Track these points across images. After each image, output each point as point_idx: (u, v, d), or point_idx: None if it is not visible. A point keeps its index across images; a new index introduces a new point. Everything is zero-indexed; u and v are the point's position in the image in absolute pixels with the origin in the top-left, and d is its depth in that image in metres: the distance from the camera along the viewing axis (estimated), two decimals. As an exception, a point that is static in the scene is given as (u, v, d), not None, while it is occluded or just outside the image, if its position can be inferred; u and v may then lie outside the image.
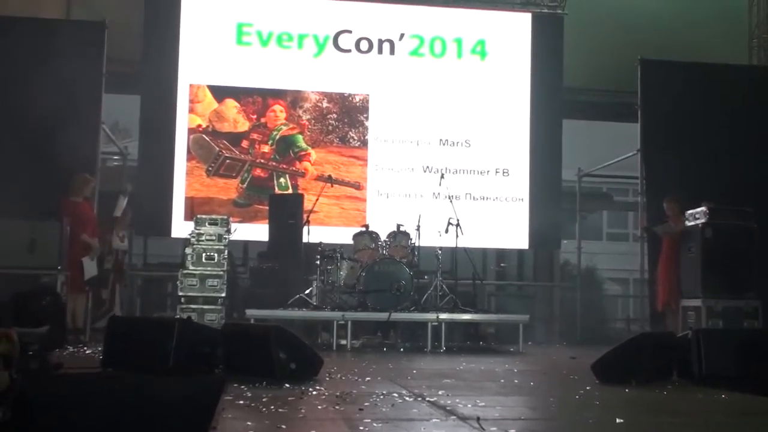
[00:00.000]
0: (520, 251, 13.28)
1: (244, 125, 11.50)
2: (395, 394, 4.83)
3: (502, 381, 5.85)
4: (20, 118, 9.53)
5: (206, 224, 9.31)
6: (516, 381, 5.92)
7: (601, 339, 10.94)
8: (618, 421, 3.98)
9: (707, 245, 8.81)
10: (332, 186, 10.81)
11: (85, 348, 7.93)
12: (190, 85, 11.41)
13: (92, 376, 4.15)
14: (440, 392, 5.00)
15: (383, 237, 9.89)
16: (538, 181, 11.79)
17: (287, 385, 5.06)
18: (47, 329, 6.80)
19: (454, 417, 4.05)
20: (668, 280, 9.36)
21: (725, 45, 11.89)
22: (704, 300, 8.70)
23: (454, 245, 10.01)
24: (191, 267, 9.18)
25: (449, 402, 4.56)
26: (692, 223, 9.07)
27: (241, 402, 4.33)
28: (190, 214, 10.62)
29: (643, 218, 11.05)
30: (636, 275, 12.19)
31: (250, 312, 8.94)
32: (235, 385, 4.93)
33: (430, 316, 9.18)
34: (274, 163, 11.45)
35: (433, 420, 3.95)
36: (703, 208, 8.92)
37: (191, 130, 11.34)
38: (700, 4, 12.30)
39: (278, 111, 11.59)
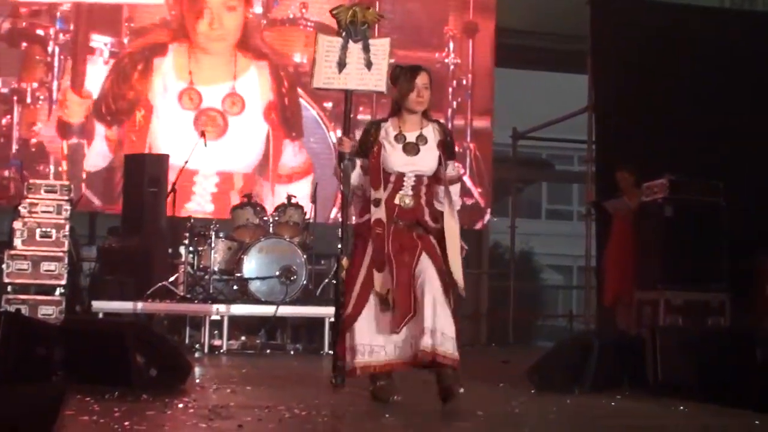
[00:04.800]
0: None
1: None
2: (282, 408, 4.83)
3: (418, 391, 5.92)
4: None
5: (41, 191, 9.11)
6: (435, 390, 5.99)
7: (539, 339, 11.21)
8: (557, 438, 4.08)
9: (667, 226, 9.02)
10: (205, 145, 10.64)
11: None
12: None
13: None
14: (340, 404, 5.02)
15: (270, 210, 9.85)
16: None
17: (146, 396, 5.01)
18: None
19: (358, 435, 4.09)
20: (619, 267, 9.54)
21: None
22: (662, 292, 8.95)
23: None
24: (21, 246, 8.97)
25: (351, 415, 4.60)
26: (650, 199, 9.28)
27: (87, 418, 4.28)
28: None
29: (591, 192, 11.27)
30: (581, 262, 12.50)
31: (98, 304, 8.84)
32: (79, 396, 4.86)
33: (328, 310, 9.19)
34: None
35: (331, 438, 3.98)
36: (663, 181, 9.12)
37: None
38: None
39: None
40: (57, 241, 9.06)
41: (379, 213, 5.01)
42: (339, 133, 5.77)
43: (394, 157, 5.04)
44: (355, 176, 5.15)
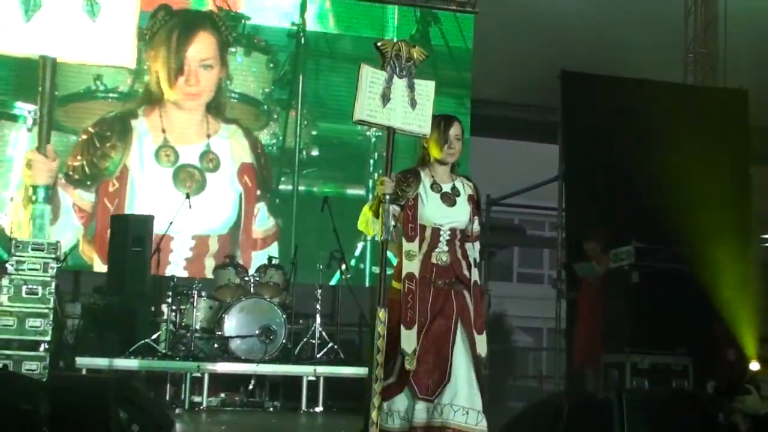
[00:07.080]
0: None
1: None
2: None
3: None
4: None
5: (29, 249, 9.09)
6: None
7: (510, 399, 11.18)
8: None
9: (633, 291, 9.15)
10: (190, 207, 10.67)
11: None
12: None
13: None
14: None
15: (251, 271, 9.89)
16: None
17: (130, 452, 5.01)
18: None
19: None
20: (588, 331, 9.62)
21: (658, 59, 12.41)
22: (628, 355, 9.02)
23: (337, 283, 10.06)
24: (7, 303, 8.92)
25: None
26: (617, 265, 9.38)
27: (73, 472, 4.27)
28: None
29: (561, 257, 11.38)
30: (551, 324, 12.52)
31: (81, 360, 8.78)
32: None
33: (306, 369, 9.21)
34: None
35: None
36: (629, 248, 9.24)
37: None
38: (631, 13, 12.80)
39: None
40: (43, 298, 9.01)
41: (411, 267, 4.59)
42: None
43: (432, 208, 4.66)
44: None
